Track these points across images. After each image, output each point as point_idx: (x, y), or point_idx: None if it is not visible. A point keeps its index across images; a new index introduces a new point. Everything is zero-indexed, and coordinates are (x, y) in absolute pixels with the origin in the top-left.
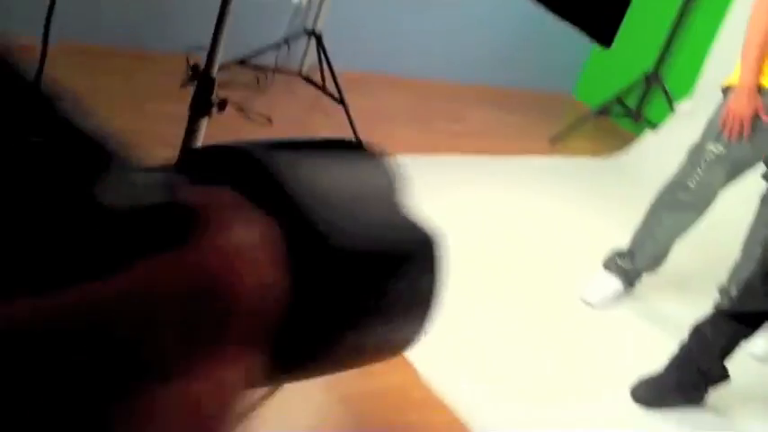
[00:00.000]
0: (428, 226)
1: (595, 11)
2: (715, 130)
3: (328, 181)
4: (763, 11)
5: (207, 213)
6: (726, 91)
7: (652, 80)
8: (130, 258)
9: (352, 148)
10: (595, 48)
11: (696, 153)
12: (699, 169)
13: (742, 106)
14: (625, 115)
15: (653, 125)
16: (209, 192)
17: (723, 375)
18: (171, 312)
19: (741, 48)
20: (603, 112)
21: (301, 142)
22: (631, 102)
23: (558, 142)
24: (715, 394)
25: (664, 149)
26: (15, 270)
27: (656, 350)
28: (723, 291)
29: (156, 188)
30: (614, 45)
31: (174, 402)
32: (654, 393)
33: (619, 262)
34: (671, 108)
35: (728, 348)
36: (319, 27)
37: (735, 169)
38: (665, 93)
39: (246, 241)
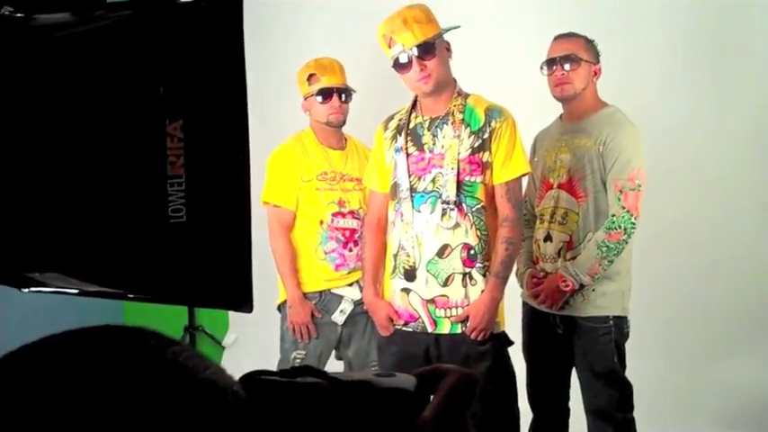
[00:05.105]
0: None
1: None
2: (290, 341)
3: None
4: (278, 234)
5: None
6: (281, 307)
7: (192, 329)
8: None
9: None
10: (130, 308)
11: (284, 364)
12: None
13: (299, 314)
14: None
15: None
16: None
17: None
18: None
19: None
20: None
21: None
22: None
23: None
24: None
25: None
26: None
27: None
28: None
29: None
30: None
31: None
32: None
33: None
34: (221, 346)
35: None
36: None
37: (320, 363)
38: (210, 336)
39: None
